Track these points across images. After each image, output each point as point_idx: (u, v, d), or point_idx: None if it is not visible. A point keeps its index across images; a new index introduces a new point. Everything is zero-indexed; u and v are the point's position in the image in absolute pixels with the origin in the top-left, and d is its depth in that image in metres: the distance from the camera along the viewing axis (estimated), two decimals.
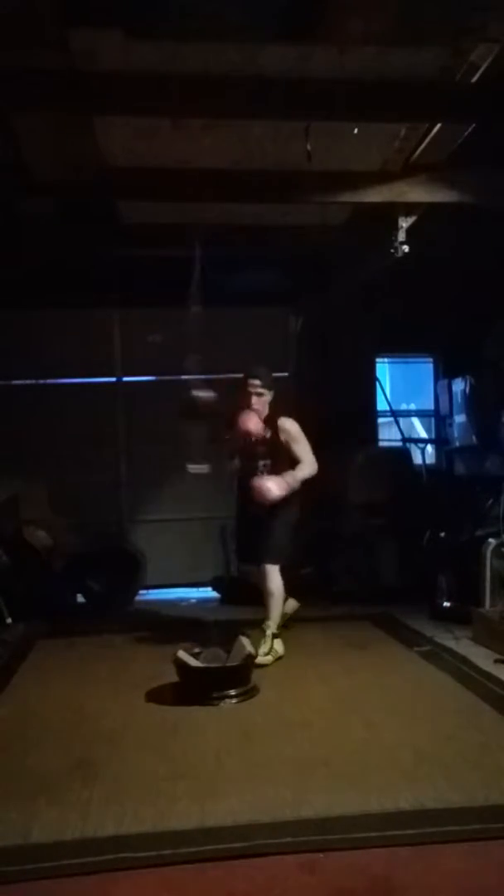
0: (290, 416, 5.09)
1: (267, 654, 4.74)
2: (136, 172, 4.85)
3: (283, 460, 4.99)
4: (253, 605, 6.37)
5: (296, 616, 5.51)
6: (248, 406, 4.99)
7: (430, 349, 8.40)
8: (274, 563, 4.97)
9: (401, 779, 3.05)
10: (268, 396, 5.07)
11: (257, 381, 5.04)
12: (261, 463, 5.01)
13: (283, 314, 7.80)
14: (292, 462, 4.99)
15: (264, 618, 4.93)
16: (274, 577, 4.95)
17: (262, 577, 4.96)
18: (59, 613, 6.29)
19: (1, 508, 6.65)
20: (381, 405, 8.11)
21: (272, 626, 4.89)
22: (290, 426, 5.04)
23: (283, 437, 5.00)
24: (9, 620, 5.87)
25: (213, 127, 4.33)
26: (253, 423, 4.94)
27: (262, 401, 5.04)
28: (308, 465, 5.00)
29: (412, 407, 9.41)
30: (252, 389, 5.02)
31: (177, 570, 7.42)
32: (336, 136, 4.34)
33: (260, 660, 4.58)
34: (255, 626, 5.16)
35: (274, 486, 4.87)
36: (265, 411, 5.04)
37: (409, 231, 5.21)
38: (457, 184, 4.91)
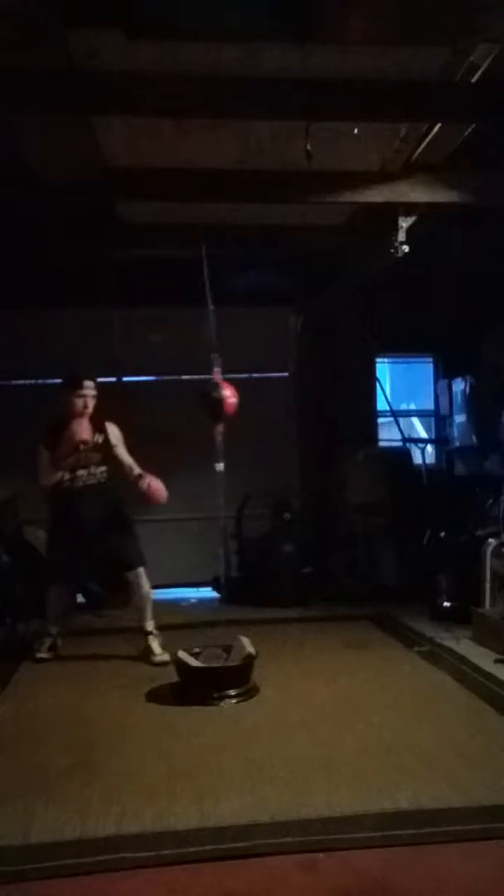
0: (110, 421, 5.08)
1: (162, 651, 4.90)
2: (137, 172, 4.85)
3: (113, 465, 5.00)
4: (253, 605, 6.42)
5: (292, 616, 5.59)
6: (82, 412, 4.87)
7: (430, 349, 8.40)
8: (143, 564, 5.04)
9: (401, 779, 3.05)
10: (94, 401, 4.96)
11: (91, 384, 4.94)
12: (98, 470, 4.97)
13: (283, 314, 7.80)
14: (117, 465, 5.02)
15: (141, 620, 5.05)
16: (145, 578, 5.03)
17: (137, 580, 5.01)
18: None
19: (1, 508, 6.64)
20: (381, 405, 8.11)
21: (152, 623, 5.04)
22: (117, 430, 5.05)
23: (113, 440, 5.00)
24: (9, 621, 5.86)
25: (213, 127, 4.32)
26: (86, 431, 4.86)
27: (92, 405, 4.93)
28: (136, 466, 5.02)
29: (412, 407, 9.41)
30: (88, 393, 4.90)
31: (177, 570, 7.41)
32: (336, 136, 4.33)
33: (162, 658, 4.81)
34: (256, 626, 5.18)
35: (163, 488, 4.97)
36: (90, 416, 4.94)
37: (409, 231, 5.21)
38: (457, 184, 4.90)
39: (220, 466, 5.11)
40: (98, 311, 7.49)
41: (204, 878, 2.44)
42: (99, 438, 4.97)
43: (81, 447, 4.85)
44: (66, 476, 4.94)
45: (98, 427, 4.97)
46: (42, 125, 4.21)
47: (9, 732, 3.76)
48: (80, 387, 4.89)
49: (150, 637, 5.00)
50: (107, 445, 4.98)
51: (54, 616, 5.22)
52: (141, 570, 5.02)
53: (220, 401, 5.09)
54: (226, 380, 5.24)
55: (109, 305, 7.49)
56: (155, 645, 4.97)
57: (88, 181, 4.86)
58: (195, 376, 6.47)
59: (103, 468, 4.99)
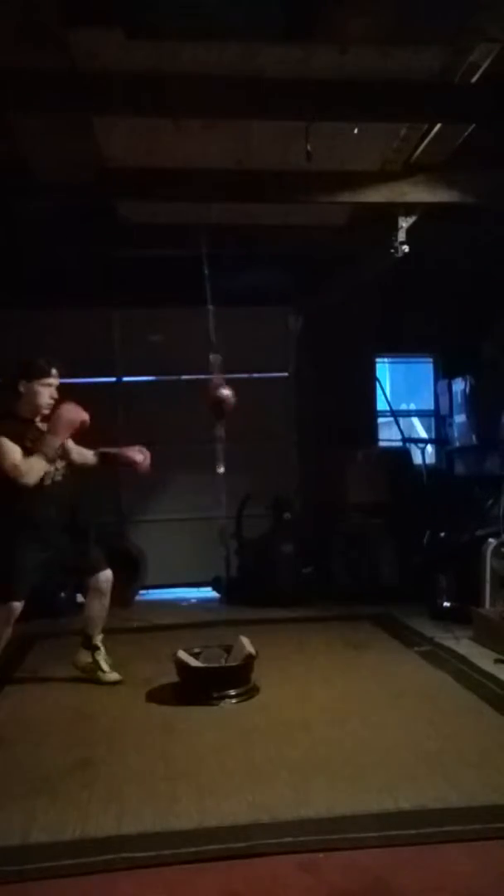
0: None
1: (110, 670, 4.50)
2: (137, 172, 4.85)
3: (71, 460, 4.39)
4: (253, 605, 6.42)
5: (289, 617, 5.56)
6: (47, 405, 4.22)
7: (430, 349, 8.40)
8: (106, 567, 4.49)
9: (401, 779, 3.05)
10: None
11: (57, 372, 4.31)
12: (61, 465, 4.28)
13: (283, 314, 7.80)
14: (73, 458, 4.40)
15: (93, 630, 4.52)
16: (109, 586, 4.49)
17: (104, 588, 4.46)
18: (58, 613, 6.29)
19: None
20: (381, 405, 8.11)
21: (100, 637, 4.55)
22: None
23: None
24: None
25: (213, 127, 4.32)
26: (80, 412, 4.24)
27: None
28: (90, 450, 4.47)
29: (412, 407, 9.41)
30: (55, 382, 4.28)
31: (177, 570, 7.42)
32: (336, 136, 4.34)
33: (111, 677, 4.42)
34: (256, 626, 5.17)
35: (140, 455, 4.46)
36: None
37: (409, 231, 5.21)
38: (457, 184, 4.91)
39: (222, 469, 5.11)
40: (98, 311, 7.49)
41: (204, 878, 2.44)
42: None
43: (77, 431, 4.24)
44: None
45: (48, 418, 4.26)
46: (42, 125, 4.21)
47: (9, 732, 3.75)
48: (48, 375, 4.24)
49: (98, 653, 4.52)
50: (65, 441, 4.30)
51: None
52: (108, 574, 4.48)
53: (222, 401, 5.08)
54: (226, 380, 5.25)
55: (109, 305, 7.49)
56: (104, 663, 4.51)
57: (88, 181, 4.87)
58: (195, 376, 6.47)
59: (63, 463, 4.31)
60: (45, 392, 4.25)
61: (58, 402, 4.27)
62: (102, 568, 4.48)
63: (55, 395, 4.29)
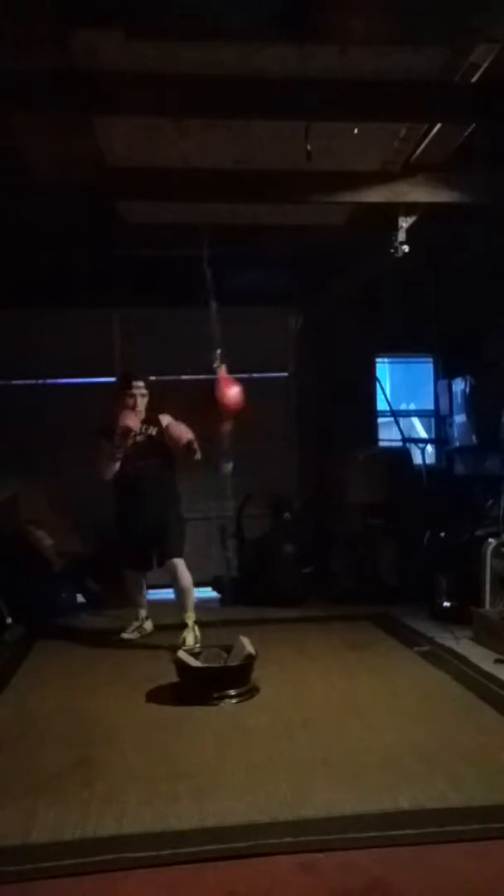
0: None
1: (196, 642, 5.01)
2: (136, 172, 4.85)
3: (167, 458, 5.26)
4: (253, 605, 6.42)
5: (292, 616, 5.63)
6: (133, 409, 5.19)
7: (430, 349, 8.40)
8: (181, 556, 5.24)
9: (401, 779, 3.05)
10: (146, 398, 5.28)
11: (141, 384, 5.27)
12: (152, 463, 5.23)
13: (283, 314, 7.80)
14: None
15: (183, 611, 5.23)
16: (185, 570, 5.22)
17: (174, 573, 5.20)
18: (59, 613, 6.29)
19: (1, 508, 6.65)
20: (381, 405, 8.11)
21: (192, 615, 5.21)
22: (169, 417, 5.26)
23: (164, 424, 5.22)
24: (9, 620, 5.87)
25: (213, 127, 4.32)
26: (132, 419, 5.12)
27: (144, 402, 5.26)
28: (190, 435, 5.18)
29: (412, 407, 9.41)
30: (137, 392, 5.23)
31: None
32: (336, 136, 4.33)
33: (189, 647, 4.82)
34: (256, 626, 5.18)
35: (187, 430, 5.15)
36: (143, 413, 5.25)
37: (409, 231, 5.21)
38: (457, 184, 4.90)
39: (230, 467, 5.14)
40: (98, 311, 7.49)
41: (204, 878, 2.44)
42: (152, 431, 5.23)
43: (131, 435, 5.09)
44: (124, 468, 5.18)
45: (152, 422, 5.25)
46: (42, 125, 4.21)
47: (9, 732, 3.76)
48: (130, 386, 5.22)
49: (186, 630, 5.14)
50: (160, 438, 5.22)
51: (136, 599, 5.57)
52: (177, 561, 5.19)
53: (230, 398, 5.14)
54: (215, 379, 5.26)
55: (109, 305, 7.49)
56: (189, 637, 5.08)
57: (88, 181, 4.87)
58: (195, 376, 6.46)
59: (157, 460, 5.22)
60: (129, 401, 5.21)
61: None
62: (172, 555, 5.20)
63: (139, 402, 5.22)
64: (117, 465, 5.17)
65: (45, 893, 2.41)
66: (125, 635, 5.49)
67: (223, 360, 5.25)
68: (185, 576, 5.22)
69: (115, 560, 5.59)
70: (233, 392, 5.17)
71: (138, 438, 5.18)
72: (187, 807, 2.86)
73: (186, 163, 4.74)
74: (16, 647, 5.37)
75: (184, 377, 7.46)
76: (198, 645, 4.89)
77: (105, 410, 7.02)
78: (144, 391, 5.26)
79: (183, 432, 5.14)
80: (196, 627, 5.17)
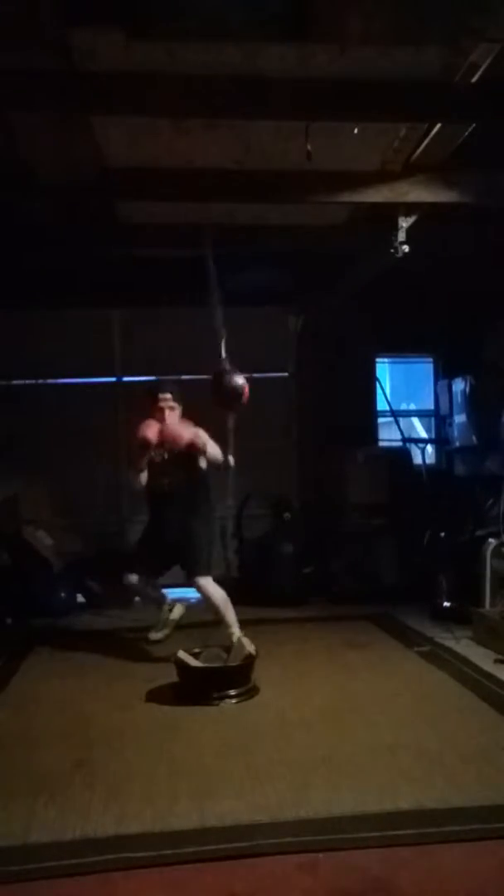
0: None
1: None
2: (136, 172, 4.84)
3: (197, 473, 5.03)
4: (253, 605, 6.41)
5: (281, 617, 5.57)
6: (160, 421, 4.93)
7: (430, 349, 8.40)
8: (207, 573, 4.96)
9: (401, 779, 3.05)
10: (178, 410, 5.02)
11: (168, 396, 5.00)
12: (179, 479, 4.98)
13: (283, 314, 7.81)
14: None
15: (225, 627, 4.87)
16: (213, 586, 4.94)
17: (201, 592, 4.94)
18: (59, 613, 6.29)
19: (1, 508, 6.65)
20: (381, 405, 8.11)
21: (236, 630, 4.83)
22: (203, 434, 4.94)
23: (200, 444, 4.89)
24: (9, 621, 5.87)
25: (213, 127, 4.32)
26: (151, 431, 4.88)
27: (173, 414, 4.99)
28: (220, 455, 5.02)
29: (412, 407, 9.41)
30: (164, 404, 4.96)
31: (177, 570, 7.41)
32: (336, 136, 4.33)
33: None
34: (256, 626, 5.17)
35: (210, 443, 4.93)
36: (175, 424, 4.97)
37: (409, 231, 5.21)
38: (457, 184, 4.90)
39: (231, 461, 5.11)
40: (98, 311, 7.49)
41: (204, 878, 2.44)
42: (182, 444, 4.92)
43: (151, 448, 4.88)
44: (154, 481, 5.02)
45: (181, 437, 4.93)
46: (42, 125, 4.21)
47: (9, 732, 3.76)
48: (156, 398, 4.99)
49: (235, 642, 4.71)
50: (190, 453, 4.91)
51: (152, 600, 5.48)
52: (201, 580, 4.91)
53: (237, 389, 5.07)
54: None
55: (109, 305, 7.49)
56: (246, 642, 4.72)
57: (88, 181, 4.86)
58: (195, 376, 6.47)
59: (186, 476, 4.98)
60: (158, 412, 4.96)
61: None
62: (195, 574, 4.93)
63: (166, 413, 4.95)
64: (144, 475, 4.99)
65: (45, 893, 2.41)
66: (154, 636, 5.33)
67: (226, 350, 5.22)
68: (214, 592, 4.92)
69: (119, 563, 5.43)
70: (240, 383, 5.12)
71: (165, 455, 4.96)
72: (187, 807, 2.86)
73: (186, 163, 4.74)
74: (16, 648, 5.37)
75: (184, 377, 7.46)
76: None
77: (104, 411, 7.01)
78: (173, 404, 4.98)
79: (203, 442, 4.90)
80: (244, 638, 4.71)
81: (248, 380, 5.19)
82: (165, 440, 4.90)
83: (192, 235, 5.61)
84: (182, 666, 4.20)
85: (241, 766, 3.22)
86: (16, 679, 4.67)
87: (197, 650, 4.42)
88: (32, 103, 3.81)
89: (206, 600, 4.99)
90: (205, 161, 4.72)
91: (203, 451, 4.89)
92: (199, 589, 4.94)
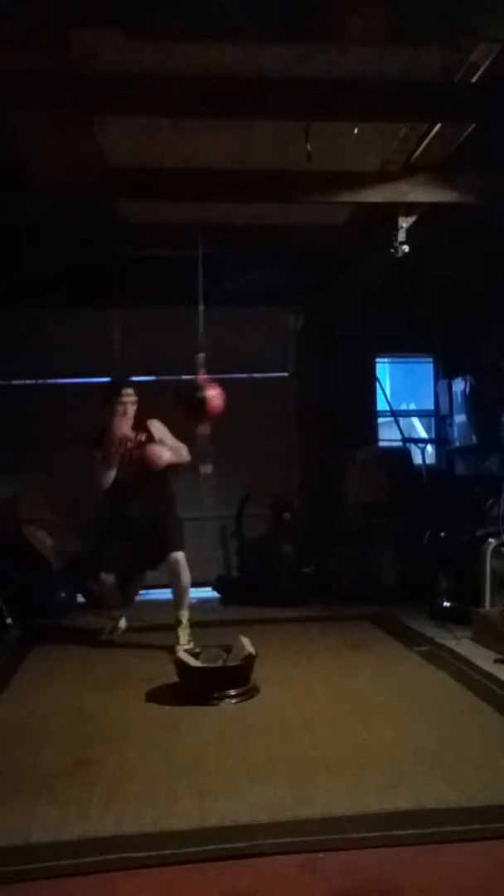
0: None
1: (189, 641, 5.00)
2: (137, 172, 4.85)
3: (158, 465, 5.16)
4: (253, 605, 6.42)
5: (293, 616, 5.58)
6: (122, 417, 5.14)
7: (430, 349, 8.40)
8: (182, 549, 5.21)
9: (401, 779, 3.05)
10: (136, 406, 5.24)
11: (130, 391, 5.23)
12: (138, 468, 5.14)
13: (283, 314, 7.80)
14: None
15: (177, 608, 5.20)
16: (185, 566, 5.18)
17: (174, 568, 5.16)
18: (59, 613, 6.29)
19: (1, 508, 6.65)
20: (381, 405, 8.11)
21: (185, 615, 5.17)
22: (159, 424, 5.23)
23: (157, 435, 5.17)
24: (9, 620, 5.87)
25: (213, 127, 4.32)
26: (126, 427, 5.14)
27: (133, 410, 5.21)
28: (182, 448, 5.19)
29: (412, 407, 9.41)
30: (127, 400, 5.18)
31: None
32: (336, 136, 4.33)
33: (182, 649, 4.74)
34: (256, 626, 5.17)
35: (165, 451, 5.10)
36: (133, 420, 5.21)
37: (409, 231, 5.21)
38: (457, 184, 4.90)
39: (209, 469, 5.13)
40: (98, 311, 7.49)
41: (204, 878, 2.44)
42: (142, 437, 5.19)
43: (125, 443, 5.10)
44: (117, 475, 5.13)
45: (141, 428, 5.21)
46: (42, 125, 4.21)
47: (9, 732, 3.76)
48: (119, 394, 5.18)
49: (180, 627, 5.12)
50: (148, 443, 5.17)
51: (112, 602, 5.53)
52: (178, 555, 5.15)
53: (202, 400, 5.10)
54: (214, 380, 5.25)
55: (109, 305, 7.48)
56: (182, 636, 5.08)
57: (88, 181, 4.87)
58: (195, 376, 6.46)
59: (148, 466, 5.12)
60: (120, 408, 5.16)
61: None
62: (173, 549, 5.16)
63: (129, 409, 5.17)
64: (113, 472, 5.13)
65: (45, 893, 2.41)
66: (105, 637, 5.47)
67: (205, 363, 5.25)
68: (185, 573, 5.18)
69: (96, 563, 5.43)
70: (213, 395, 5.16)
71: (129, 445, 5.15)
72: (187, 807, 2.86)
73: (186, 163, 4.74)
74: (16, 647, 5.37)
75: (184, 377, 7.46)
76: (191, 643, 4.88)
77: (96, 412, 7.00)
78: (134, 398, 5.22)
79: (159, 455, 5.10)
80: (187, 627, 5.13)
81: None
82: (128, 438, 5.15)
83: (192, 235, 5.61)
84: (182, 666, 4.20)
85: (241, 766, 3.22)
86: (16, 679, 4.67)
87: (197, 650, 4.42)
88: (32, 103, 3.81)
89: (173, 577, 5.17)
90: (205, 161, 4.72)
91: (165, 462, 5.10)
92: (173, 564, 5.14)
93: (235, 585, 6.84)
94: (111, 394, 5.22)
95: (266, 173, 4.88)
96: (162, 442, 5.15)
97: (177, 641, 5.01)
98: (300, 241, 6.35)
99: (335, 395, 7.42)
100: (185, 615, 5.16)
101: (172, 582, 5.24)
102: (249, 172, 4.85)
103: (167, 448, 5.11)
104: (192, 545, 7.29)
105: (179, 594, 5.21)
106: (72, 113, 4.07)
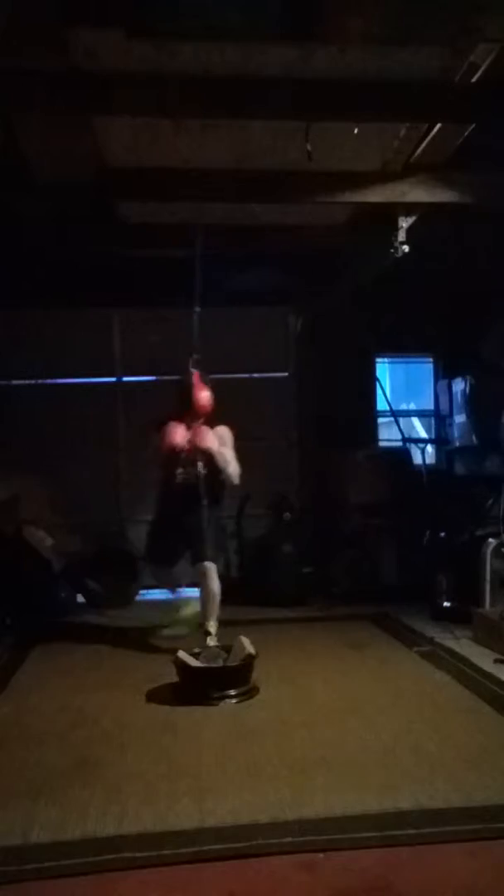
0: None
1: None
2: (136, 172, 4.85)
3: (215, 468, 5.11)
4: (253, 605, 6.42)
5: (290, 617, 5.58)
6: (194, 420, 5.08)
7: (430, 349, 8.40)
8: (214, 560, 5.08)
9: (401, 779, 3.05)
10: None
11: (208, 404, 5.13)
12: (197, 470, 5.07)
13: (283, 314, 7.80)
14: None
15: (205, 619, 4.97)
16: (215, 576, 5.04)
17: (204, 577, 5.02)
18: (59, 613, 6.29)
19: (1, 508, 6.65)
20: (381, 405, 8.11)
21: (213, 626, 4.91)
22: (225, 432, 5.17)
23: (217, 437, 5.10)
24: (8, 621, 5.87)
25: (213, 127, 4.32)
26: (180, 437, 5.07)
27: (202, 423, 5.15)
28: (234, 462, 5.12)
29: (412, 407, 9.41)
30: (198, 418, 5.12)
31: (177, 569, 7.41)
32: (336, 136, 4.34)
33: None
34: (256, 626, 5.17)
35: (214, 440, 5.05)
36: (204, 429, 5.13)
37: (409, 231, 5.21)
38: (457, 184, 4.90)
39: (202, 468, 5.11)
40: (98, 311, 7.49)
41: (204, 878, 2.44)
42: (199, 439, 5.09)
43: (179, 452, 5.04)
44: (170, 473, 5.10)
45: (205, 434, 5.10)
46: (42, 125, 4.21)
47: (9, 732, 3.76)
48: (195, 412, 5.11)
49: (208, 638, 4.87)
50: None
51: (172, 586, 5.62)
52: (207, 565, 5.03)
53: (188, 387, 5.10)
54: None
55: (109, 305, 7.49)
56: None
57: (88, 181, 4.87)
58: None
59: (202, 468, 5.07)
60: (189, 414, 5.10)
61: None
62: (204, 559, 5.04)
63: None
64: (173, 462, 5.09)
65: (45, 893, 2.41)
66: (168, 632, 5.39)
67: (197, 363, 5.24)
68: (213, 583, 4.99)
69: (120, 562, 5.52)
70: (203, 396, 5.15)
71: (185, 447, 5.08)
72: (187, 807, 2.86)
73: (186, 163, 4.74)
74: (16, 648, 5.37)
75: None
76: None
77: (104, 411, 7.00)
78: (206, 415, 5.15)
79: (208, 438, 5.05)
80: (214, 637, 4.85)
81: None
82: (192, 446, 5.05)
83: (192, 235, 5.61)
84: (182, 666, 4.20)
85: (241, 767, 3.22)
86: (16, 679, 4.66)
87: (197, 650, 4.42)
88: (32, 103, 3.81)
89: (203, 587, 5.04)
90: (205, 161, 4.72)
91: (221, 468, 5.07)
92: (203, 573, 5.01)
93: (235, 585, 6.83)
94: (184, 399, 5.11)
95: (266, 173, 4.88)
96: (221, 442, 5.10)
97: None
98: (300, 241, 6.35)
99: (335, 395, 7.42)
100: (213, 626, 4.91)
101: (201, 590, 5.09)
102: (249, 172, 4.85)
103: (217, 443, 5.06)
104: None
105: (205, 603, 5.02)
106: (72, 113, 4.07)
